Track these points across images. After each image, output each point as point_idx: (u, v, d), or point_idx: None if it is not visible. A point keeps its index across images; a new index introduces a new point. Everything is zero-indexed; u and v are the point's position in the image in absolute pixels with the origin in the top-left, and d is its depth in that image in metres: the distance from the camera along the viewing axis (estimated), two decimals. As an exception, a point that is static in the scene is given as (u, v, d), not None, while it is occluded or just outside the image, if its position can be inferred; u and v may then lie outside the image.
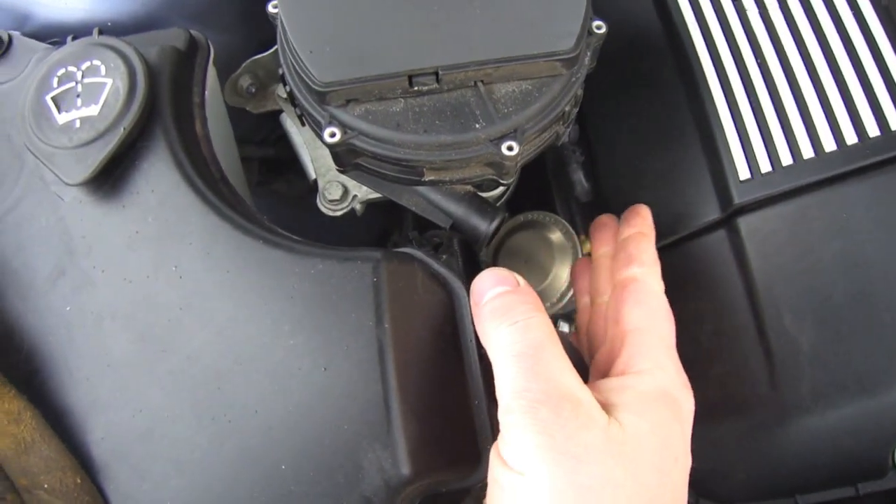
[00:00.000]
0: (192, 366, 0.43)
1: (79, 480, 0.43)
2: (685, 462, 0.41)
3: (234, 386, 0.42)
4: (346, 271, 0.42)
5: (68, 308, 0.45)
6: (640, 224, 0.50)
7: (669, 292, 0.46)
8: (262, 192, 0.65)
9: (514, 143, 0.42)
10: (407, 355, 0.41)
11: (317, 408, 0.41)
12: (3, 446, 0.43)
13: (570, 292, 0.58)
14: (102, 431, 0.43)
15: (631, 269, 0.47)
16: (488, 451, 0.42)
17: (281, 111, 0.56)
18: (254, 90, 0.54)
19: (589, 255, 0.60)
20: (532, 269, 0.49)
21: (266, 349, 0.42)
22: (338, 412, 0.40)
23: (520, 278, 0.42)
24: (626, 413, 0.39)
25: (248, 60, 0.53)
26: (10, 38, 0.51)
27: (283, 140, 0.58)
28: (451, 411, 0.43)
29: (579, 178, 0.57)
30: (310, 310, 0.42)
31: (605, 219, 0.54)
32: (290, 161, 0.58)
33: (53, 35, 0.52)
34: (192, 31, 0.49)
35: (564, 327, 0.61)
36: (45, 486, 0.43)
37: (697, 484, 0.41)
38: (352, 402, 0.40)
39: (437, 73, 0.42)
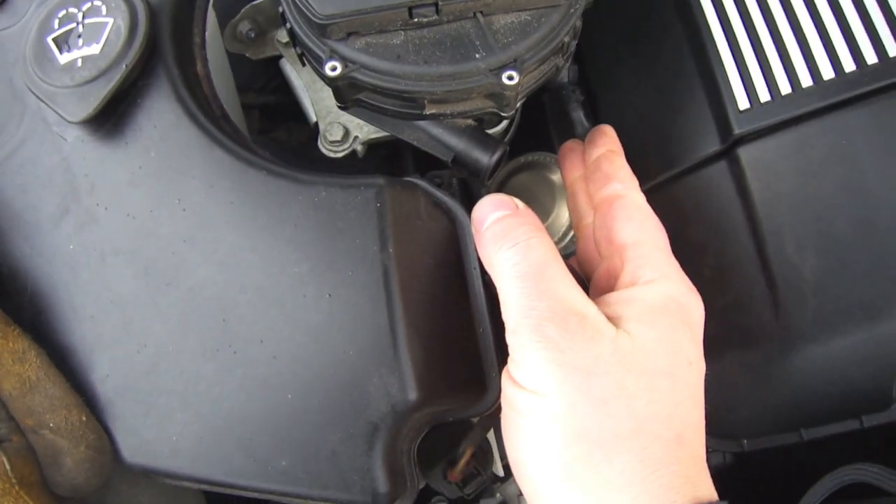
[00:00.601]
0: (196, 298, 0.43)
1: (84, 418, 0.43)
2: (699, 366, 0.41)
3: (239, 316, 0.42)
4: (350, 198, 0.42)
5: (72, 246, 0.45)
6: (608, 142, 0.49)
7: (671, 225, 0.46)
8: (263, 141, 0.65)
9: (514, 73, 0.42)
10: (411, 280, 0.41)
11: (322, 335, 0.41)
12: (8, 386, 0.43)
13: (572, 232, 0.58)
14: (107, 368, 0.44)
15: (611, 187, 0.46)
16: (493, 378, 0.43)
17: (280, 57, 0.56)
18: (253, 35, 0.54)
19: None
20: (533, 209, 0.49)
21: (270, 278, 0.42)
22: (343, 338, 0.41)
23: (519, 202, 0.42)
24: (635, 323, 0.39)
25: (248, 6, 0.54)
26: (10, -14, 0.51)
27: (283, 88, 0.58)
28: (456, 338, 0.43)
29: (579, 117, 0.57)
30: (314, 237, 0.42)
31: (572, 144, 0.53)
32: (289, 108, 0.58)
33: (53, -17, 0.53)
34: (192, -27, 0.50)
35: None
36: (51, 424, 0.43)
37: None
38: (357, 328, 0.41)
39: (436, 4, 0.42)
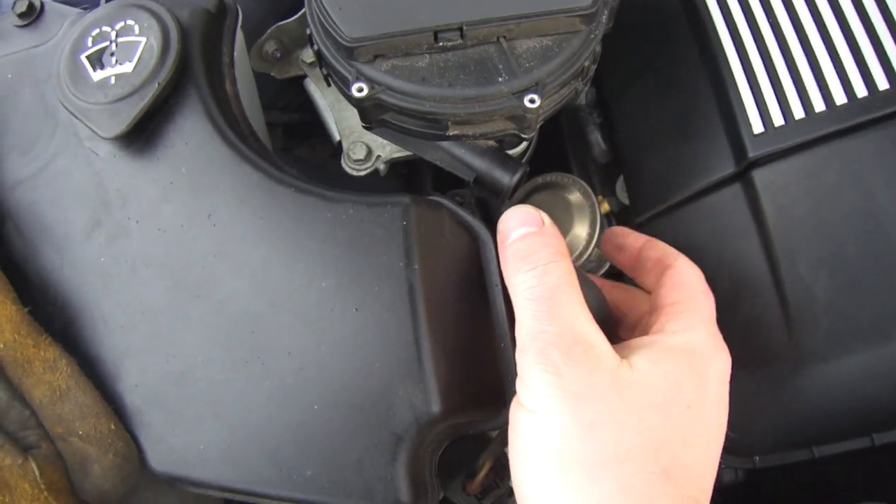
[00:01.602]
0: (225, 310, 0.44)
1: (113, 426, 0.44)
2: (702, 414, 0.41)
3: (268, 329, 0.43)
4: (377, 215, 0.43)
5: (103, 259, 0.46)
6: (638, 237, 0.50)
7: (687, 247, 0.47)
8: (286, 157, 0.66)
9: (535, 97, 0.44)
10: (436, 296, 0.42)
11: (349, 348, 0.42)
12: (38, 394, 0.44)
13: (589, 251, 0.59)
14: (136, 378, 0.45)
15: (663, 263, 0.47)
16: (512, 393, 0.44)
17: (304, 77, 0.58)
18: (279, 55, 0.56)
19: (606, 215, 0.62)
20: (551, 228, 0.51)
21: (299, 292, 0.43)
22: (369, 352, 0.42)
23: (545, 217, 0.43)
24: (642, 359, 0.40)
25: (274, 26, 0.55)
26: (42, 4, 0.52)
27: (306, 106, 0.59)
28: (479, 353, 0.44)
29: (597, 139, 0.58)
30: (341, 253, 0.43)
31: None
32: (313, 126, 0.59)
33: (84, 1, 0.54)
34: (222, -6, 0.51)
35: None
36: (80, 432, 0.44)
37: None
38: (383, 342, 0.41)
39: (461, 29, 0.44)
